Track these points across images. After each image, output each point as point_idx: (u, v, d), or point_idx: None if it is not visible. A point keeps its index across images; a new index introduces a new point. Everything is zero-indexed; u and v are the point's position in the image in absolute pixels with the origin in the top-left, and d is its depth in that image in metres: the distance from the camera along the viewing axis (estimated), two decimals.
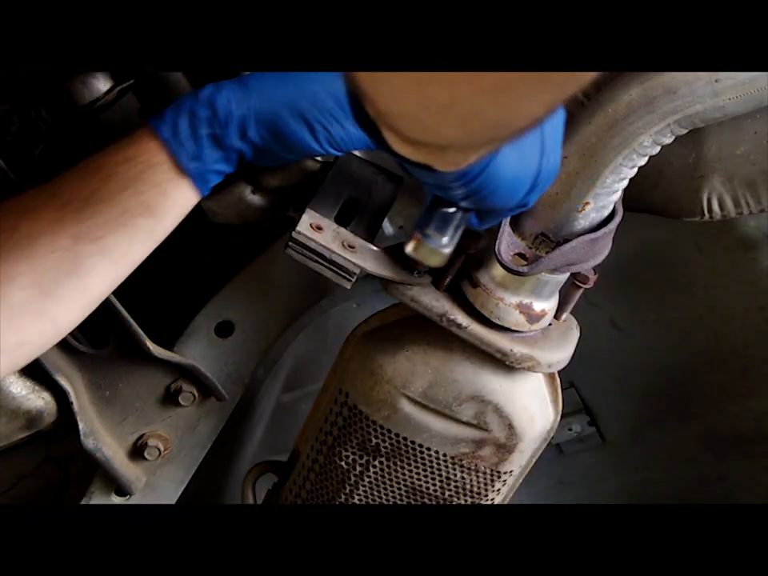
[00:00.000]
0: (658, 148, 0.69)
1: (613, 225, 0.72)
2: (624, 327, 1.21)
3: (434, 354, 0.80)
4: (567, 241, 0.72)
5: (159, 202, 0.68)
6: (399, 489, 0.86)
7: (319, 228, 0.76)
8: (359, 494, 0.87)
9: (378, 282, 0.78)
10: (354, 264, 0.76)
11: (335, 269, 0.76)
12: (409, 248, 0.64)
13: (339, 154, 0.73)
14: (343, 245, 0.76)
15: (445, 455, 0.82)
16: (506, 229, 0.71)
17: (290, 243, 0.75)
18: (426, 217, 0.65)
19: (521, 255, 0.72)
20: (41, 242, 0.65)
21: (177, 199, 0.70)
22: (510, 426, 0.81)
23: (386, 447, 0.83)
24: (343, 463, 0.86)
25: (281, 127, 0.69)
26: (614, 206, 0.73)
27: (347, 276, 0.76)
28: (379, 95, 0.45)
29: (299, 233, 0.75)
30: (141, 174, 0.67)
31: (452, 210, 0.64)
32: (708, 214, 0.84)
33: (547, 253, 0.72)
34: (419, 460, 0.83)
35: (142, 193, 0.67)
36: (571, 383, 1.30)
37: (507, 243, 0.71)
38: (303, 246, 0.75)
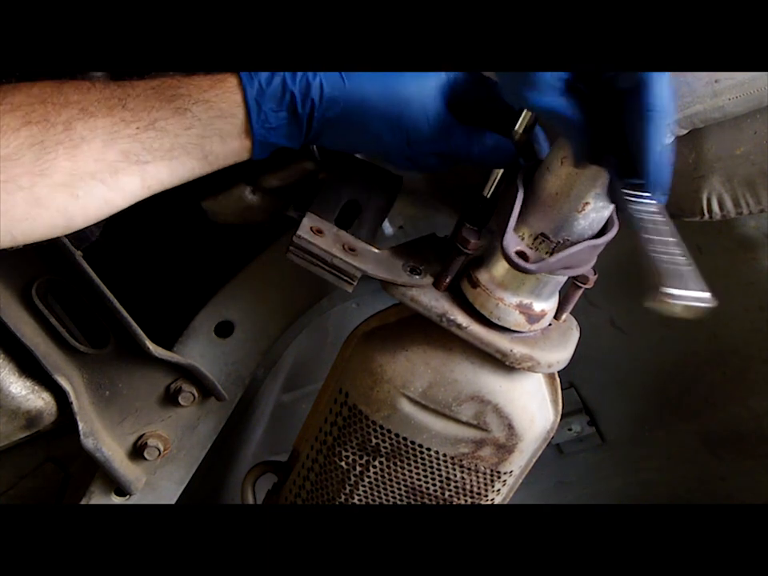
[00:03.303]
0: None
1: (611, 234, 0.73)
2: (624, 327, 1.21)
3: (433, 354, 0.80)
4: (567, 241, 0.72)
5: (214, 151, 0.70)
6: (399, 489, 0.86)
7: (320, 231, 0.76)
8: (359, 494, 0.87)
9: (378, 282, 0.78)
10: (356, 267, 0.75)
11: (336, 272, 0.75)
12: None
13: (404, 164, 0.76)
14: (344, 248, 0.76)
15: (445, 455, 0.82)
16: (512, 224, 0.71)
17: (291, 248, 0.75)
18: None
19: (521, 254, 0.72)
20: (90, 148, 0.65)
21: (231, 154, 0.72)
22: (510, 426, 0.81)
23: (385, 447, 0.83)
24: (343, 463, 0.86)
25: (366, 120, 0.72)
26: (611, 217, 0.73)
27: (348, 279, 0.76)
28: None
29: (300, 237, 0.74)
30: (211, 120, 0.69)
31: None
32: (708, 214, 0.84)
33: (549, 254, 0.72)
34: (419, 460, 0.83)
35: (203, 137, 0.69)
36: (571, 383, 1.30)
37: (511, 239, 0.71)
38: (304, 250, 0.75)
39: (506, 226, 0.70)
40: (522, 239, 0.73)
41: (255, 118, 0.69)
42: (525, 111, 0.75)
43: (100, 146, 0.65)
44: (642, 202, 0.64)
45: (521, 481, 0.90)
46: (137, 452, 0.99)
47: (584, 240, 0.72)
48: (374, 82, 0.71)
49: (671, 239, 0.62)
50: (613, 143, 0.64)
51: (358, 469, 0.85)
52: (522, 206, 0.71)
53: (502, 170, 0.79)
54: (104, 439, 0.95)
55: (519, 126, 0.76)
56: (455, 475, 0.84)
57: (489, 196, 0.79)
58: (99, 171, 0.66)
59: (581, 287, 0.80)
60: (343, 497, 0.88)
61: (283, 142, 0.72)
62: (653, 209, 0.63)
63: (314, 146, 0.86)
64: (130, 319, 0.90)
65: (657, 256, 0.61)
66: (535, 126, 0.76)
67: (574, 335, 0.84)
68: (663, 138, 0.61)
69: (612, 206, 0.72)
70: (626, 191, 0.64)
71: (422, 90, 0.72)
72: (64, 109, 0.64)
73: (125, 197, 0.69)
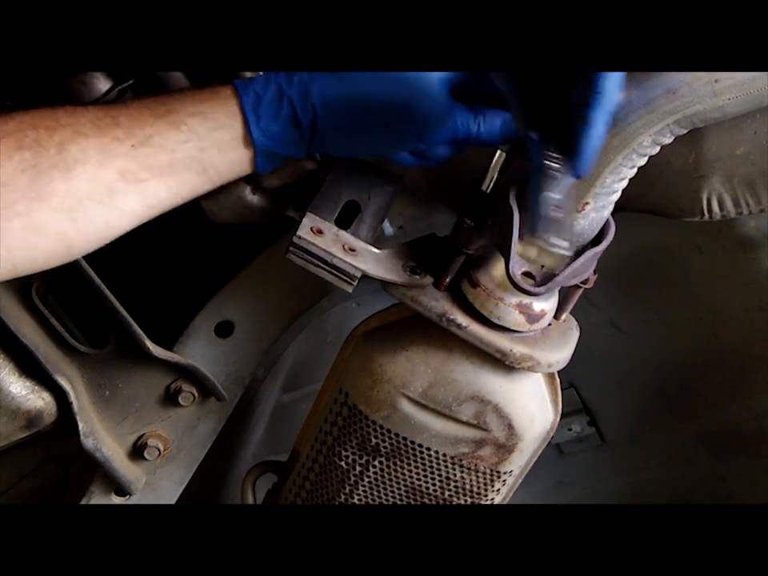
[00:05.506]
0: (658, 148, 0.69)
1: (610, 239, 0.73)
2: (624, 327, 1.21)
3: (433, 354, 0.80)
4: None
5: (215, 164, 0.69)
6: (399, 489, 0.86)
7: (320, 232, 0.76)
8: (359, 494, 0.87)
9: (378, 282, 0.78)
10: (356, 267, 0.75)
11: (337, 273, 0.75)
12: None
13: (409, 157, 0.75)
14: (344, 248, 0.76)
15: (444, 455, 0.82)
16: (515, 248, 0.70)
17: (291, 248, 0.75)
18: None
19: (528, 274, 0.72)
20: (86, 169, 0.63)
21: (233, 167, 0.70)
22: (510, 426, 0.81)
23: (385, 447, 0.83)
24: (343, 463, 0.86)
25: (373, 119, 0.70)
26: (608, 221, 0.74)
27: (348, 280, 0.76)
28: None
29: (300, 237, 0.74)
30: (208, 133, 0.67)
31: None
32: (708, 214, 0.84)
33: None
34: (419, 460, 0.83)
35: (202, 150, 0.67)
36: (571, 383, 1.30)
37: (516, 263, 0.71)
38: (304, 250, 0.75)
39: (509, 252, 0.70)
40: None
41: (254, 127, 0.68)
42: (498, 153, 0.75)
43: (95, 167, 0.64)
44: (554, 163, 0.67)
45: (521, 481, 0.90)
46: (137, 452, 0.99)
47: (585, 246, 0.72)
48: (375, 80, 0.70)
49: (560, 196, 0.69)
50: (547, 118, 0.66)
51: (358, 469, 0.85)
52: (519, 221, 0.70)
53: (499, 167, 0.78)
54: (104, 439, 0.95)
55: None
56: (455, 475, 0.84)
57: (488, 191, 0.79)
58: (96, 192, 0.64)
59: (581, 287, 0.80)
60: (343, 497, 0.88)
61: (286, 150, 0.71)
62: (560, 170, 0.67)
63: None
64: (129, 319, 0.90)
65: (541, 203, 0.68)
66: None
67: (574, 335, 0.84)
68: (604, 122, 0.61)
69: (611, 208, 0.73)
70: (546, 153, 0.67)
71: (425, 80, 0.71)
72: (56, 132, 0.63)
73: (126, 218, 0.67)
